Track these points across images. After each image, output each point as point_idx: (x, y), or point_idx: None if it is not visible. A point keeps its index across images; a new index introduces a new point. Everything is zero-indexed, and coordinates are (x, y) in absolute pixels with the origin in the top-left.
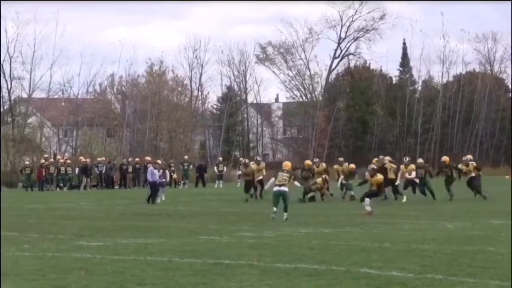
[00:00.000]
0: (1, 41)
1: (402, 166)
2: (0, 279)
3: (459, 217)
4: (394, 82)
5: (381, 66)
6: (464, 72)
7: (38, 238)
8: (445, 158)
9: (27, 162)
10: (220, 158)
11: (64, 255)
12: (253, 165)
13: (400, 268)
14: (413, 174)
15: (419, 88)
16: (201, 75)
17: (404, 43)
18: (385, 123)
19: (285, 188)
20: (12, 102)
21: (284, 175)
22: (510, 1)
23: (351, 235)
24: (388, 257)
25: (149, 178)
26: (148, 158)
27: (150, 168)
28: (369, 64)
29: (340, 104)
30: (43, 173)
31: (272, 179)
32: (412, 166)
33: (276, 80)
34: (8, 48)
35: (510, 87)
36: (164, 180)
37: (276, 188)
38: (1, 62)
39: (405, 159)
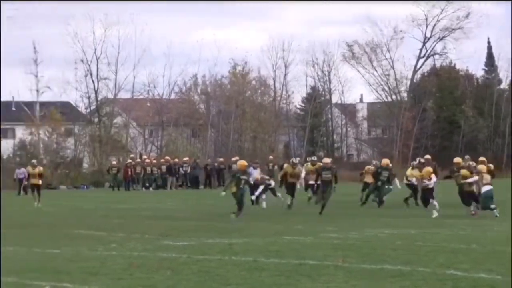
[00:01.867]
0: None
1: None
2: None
3: None
4: (480, 82)
5: (466, 66)
6: None
7: (125, 238)
8: None
9: (114, 162)
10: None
11: (151, 255)
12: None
13: (488, 270)
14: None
15: (506, 87)
16: (285, 75)
17: (489, 42)
18: (473, 124)
19: None
20: (98, 102)
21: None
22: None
23: (438, 236)
24: (475, 259)
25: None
26: (236, 158)
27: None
28: (454, 64)
29: (427, 104)
30: (129, 173)
31: None
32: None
33: (361, 80)
34: (95, 49)
35: None
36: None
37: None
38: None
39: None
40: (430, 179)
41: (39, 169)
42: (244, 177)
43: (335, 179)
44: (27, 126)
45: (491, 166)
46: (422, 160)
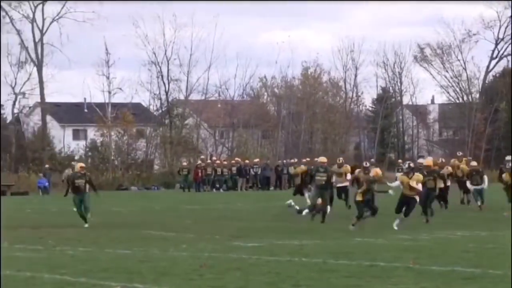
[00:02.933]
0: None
1: None
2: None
3: None
4: None
5: None
6: None
7: (195, 239)
8: None
9: (185, 163)
10: (372, 160)
11: (221, 256)
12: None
13: None
14: None
15: None
16: (355, 76)
17: None
18: None
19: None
20: (169, 104)
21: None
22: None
23: (509, 238)
24: None
25: None
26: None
27: None
28: None
29: (499, 105)
30: (200, 174)
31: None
32: None
33: (432, 82)
34: (166, 50)
35: None
36: None
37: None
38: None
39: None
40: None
41: None
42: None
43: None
44: (98, 128)
45: None
46: (412, 165)
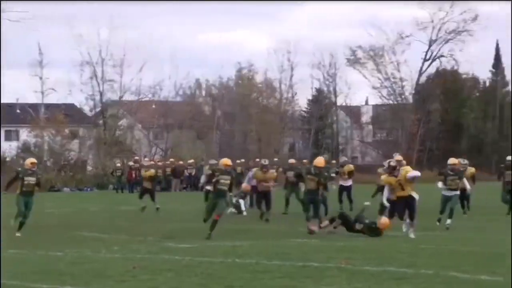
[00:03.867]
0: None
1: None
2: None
3: None
4: (487, 84)
5: (471, 69)
6: None
7: (128, 240)
8: None
9: (118, 165)
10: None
11: (154, 257)
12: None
13: (490, 272)
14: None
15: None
16: (291, 77)
17: (497, 44)
18: (478, 126)
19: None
20: (103, 104)
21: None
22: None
23: (440, 238)
24: (477, 261)
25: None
26: (242, 160)
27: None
28: (458, 67)
29: (432, 106)
30: (134, 175)
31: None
32: None
33: (366, 83)
34: (100, 51)
35: None
36: None
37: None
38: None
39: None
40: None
41: None
42: None
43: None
44: (31, 128)
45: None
46: (393, 163)
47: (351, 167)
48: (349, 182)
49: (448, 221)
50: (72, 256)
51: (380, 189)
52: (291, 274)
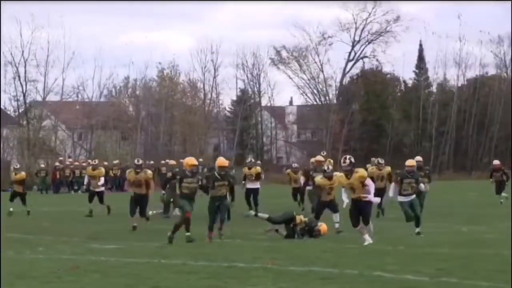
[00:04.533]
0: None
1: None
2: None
3: (473, 220)
4: (409, 85)
5: (393, 69)
6: (479, 75)
7: (53, 241)
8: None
9: (42, 165)
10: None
11: (79, 258)
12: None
13: (415, 272)
14: None
15: (434, 91)
16: (214, 78)
17: (421, 45)
18: (400, 126)
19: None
20: (27, 105)
21: None
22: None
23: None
24: (403, 261)
25: None
26: (167, 161)
27: None
28: (381, 67)
29: (355, 107)
30: (58, 176)
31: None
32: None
33: (290, 83)
34: (23, 51)
35: None
36: None
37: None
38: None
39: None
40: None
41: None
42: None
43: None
44: None
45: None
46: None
47: (258, 169)
48: (256, 185)
49: (418, 229)
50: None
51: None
52: (217, 275)
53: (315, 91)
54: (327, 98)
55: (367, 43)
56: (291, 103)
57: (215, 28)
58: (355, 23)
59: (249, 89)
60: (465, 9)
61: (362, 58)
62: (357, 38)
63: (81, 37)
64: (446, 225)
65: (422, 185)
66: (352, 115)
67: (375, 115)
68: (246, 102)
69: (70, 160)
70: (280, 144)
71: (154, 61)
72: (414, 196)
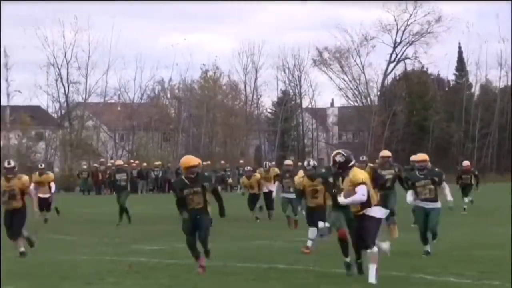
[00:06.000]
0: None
1: None
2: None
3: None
4: (451, 86)
5: (438, 70)
6: None
7: (96, 242)
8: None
9: (84, 167)
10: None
11: (122, 259)
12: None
13: (457, 274)
14: None
15: (477, 92)
16: (255, 79)
17: (460, 47)
18: (443, 128)
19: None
20: (69, 106)
21: None
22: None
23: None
24: (444, 263)
25: None
26: (207, 163)
27: None
28: (427, 68)
29: (397, 108)
30: (100, 177)
31: None
32: None
33: (332, 85)
34: (65, 53)
35: None
36: None
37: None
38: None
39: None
40: None
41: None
42: None
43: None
44: None
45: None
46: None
47: (276, 170)
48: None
49: (427, 247)
50: (40, 258)
51: None
52: (258, 276)
53: (356, 93)
54: (368, 99)
55: (408, 44)
56: (332, 104)
57: (256, 29)
58: (397, 24)
59: (290, 91)
60: (502, 9)
61: (403, 59)
62: (398, 39)
63: (123, 39)
64: (489, 227)
65: (449, 195)
66: (394, 116)
67: (417, 116)
68: (287, 104)
69: (112, 161)
70: (322, 146)
71: (195, 63)
72: (435, 204)
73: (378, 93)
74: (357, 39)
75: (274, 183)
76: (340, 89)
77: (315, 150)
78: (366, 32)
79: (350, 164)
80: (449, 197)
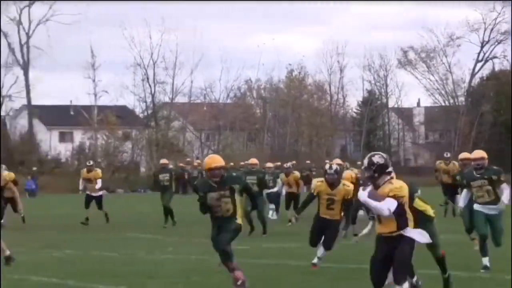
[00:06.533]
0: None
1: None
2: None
3: None
4: None
5: None
6: None
7: (181, 241)
8: None
9: (171, 166)
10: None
11: (207, 259)
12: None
13: None
14: None
15: None
16: (340, 79)
17: None
18: None
19: None
20: (155, 106)
21: None
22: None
23: None
24: None
25: None
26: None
27: None
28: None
29: (485, 108)
30: (186, 177)
31: None
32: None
33: (418, 85)
34: (152, 53)
35: None
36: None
37: None
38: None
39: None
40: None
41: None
42: None
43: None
44: (85, 130)
45: None
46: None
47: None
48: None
49: (485, 260)
50: (126, 257)
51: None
52: (344, 277)
53: (443, 92)
54: (455, 99)
55: (496, 43)
56: (418, 104)
57: (341, 29)
58: (484, 23)
59: (376, 90)
60: None
61: (491, 58)
62: (486, 39)
63: (208, 39)
64: None
65: (506, 198)
66: (481, 116)
67: (505, 116)
68: (373, 104)
69: (198, 161)
70: (408, 146)
71: (280, 63)
72: (498, 207)
73: (465, 93)
74: (443, 38)
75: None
76: (427, 89)
77: (401, 150)
78: (453, 31)
79: (388, 169)
80: (506, 201)
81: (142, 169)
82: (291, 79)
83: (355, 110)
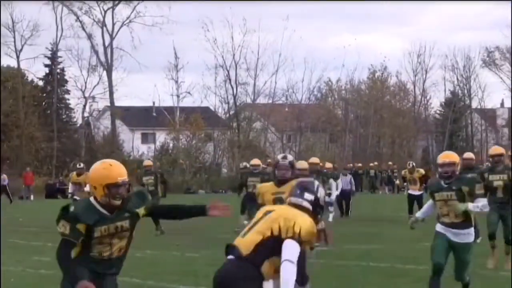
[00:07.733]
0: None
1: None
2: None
3: None
4: None
5: None
6: None
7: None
8: None
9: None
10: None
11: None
12: None
13: None
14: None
15: None
16: (424, 80)
17: None
18: None
19: None
20: (237, 107)
21: None
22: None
23: None
24: None
25: None
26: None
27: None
28: None
29: None
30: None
31: None
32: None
33: (501, 85)
34: (234, 54)
35: None
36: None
37: None
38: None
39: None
40: None
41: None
42: None
43: None
44: (167, 131)
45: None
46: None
47: (421, 171)
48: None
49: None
50: (207, 258)
51: None
52: (425, 279)
53: None
54: None
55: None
56: (502, 105)
57: (425, 30)
58: None
59: (459, 91)
60: None
61: None
62: None
63: (291, 40)
64: None
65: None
66: None
67: None
68: (456, 105)
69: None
70: (491, 147)
71: (362, 64)
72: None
73: None
74: None
75: (421, 185)
76: (511, 89)
77: (485, 151)
78: None
79: None
80: (471, 206)
81: (224, 170)
82: (373, 80)
83: (438, 111)
